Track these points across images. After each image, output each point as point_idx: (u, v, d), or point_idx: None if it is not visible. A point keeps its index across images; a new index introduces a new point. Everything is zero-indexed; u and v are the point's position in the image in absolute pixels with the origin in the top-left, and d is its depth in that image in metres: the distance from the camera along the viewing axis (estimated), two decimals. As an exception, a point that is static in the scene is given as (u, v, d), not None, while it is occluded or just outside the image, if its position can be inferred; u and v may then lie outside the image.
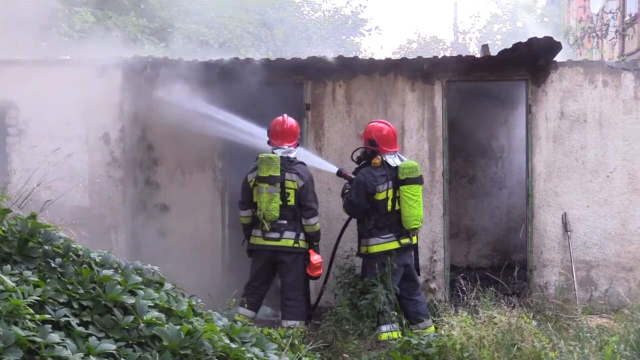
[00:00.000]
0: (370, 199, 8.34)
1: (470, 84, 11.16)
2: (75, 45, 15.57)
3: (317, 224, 8.49)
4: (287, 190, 8.31)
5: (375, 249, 8.35)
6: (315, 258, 8.40)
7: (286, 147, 8.50)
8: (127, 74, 10.03)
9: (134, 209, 10.09)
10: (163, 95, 9.73)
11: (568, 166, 9.94)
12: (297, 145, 8.67)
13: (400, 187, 8.29)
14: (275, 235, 8.31)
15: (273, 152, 8.42)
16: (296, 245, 8.37)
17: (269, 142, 8.60)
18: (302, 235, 8.40)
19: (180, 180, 10.13)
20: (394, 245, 8.34)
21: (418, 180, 8.34)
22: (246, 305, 8.29)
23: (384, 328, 8.10)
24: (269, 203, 8.21)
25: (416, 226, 8.34)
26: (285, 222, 8.32)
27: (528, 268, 9.99)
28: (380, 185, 8.31)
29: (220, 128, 9.61)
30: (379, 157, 8.40)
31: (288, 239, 8.33)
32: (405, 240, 8.39)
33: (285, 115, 8.69)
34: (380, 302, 8.08)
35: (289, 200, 8.34)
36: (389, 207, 8.35)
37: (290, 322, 8.10)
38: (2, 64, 9.83)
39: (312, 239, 8.49)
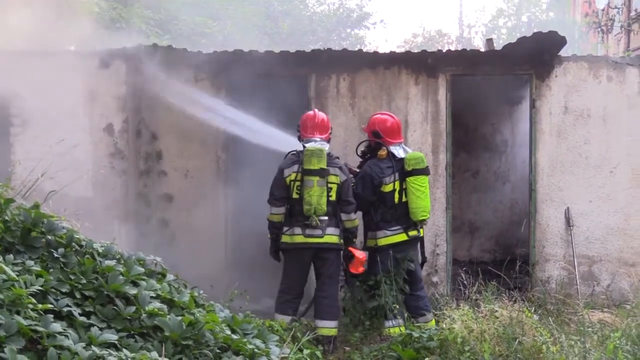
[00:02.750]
0: (377, 191, 8.27)
1: (474, 78, 11.14)
2: (79, 35, 15.54)
3: (357, 219, 8.27)
4: (329, 185, 8.01)
5: (383, 241, 8.27)
6: (360, 254, 8.13)
7: (318, 138, 8.18)
8: (130, 64, 10.02)
9: (137, 200, 10.10)
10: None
11: (571, 161, 9.93)
12: (329, 140, 8.38)
13: (407, 179, 8.24)
14: (318, 232, 7.94)
15: (305, 145, 8.11)
16: (340, 241, 8.09)
17: (299, 138, 8.28)
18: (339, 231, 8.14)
19: (184, 172, 10.12)
20: (402, 237, 8.28)
21: (424, 171, 8.29)
22: (289, 311, 7.99)
23: (388, 323, 8.08)
24: (320, 197, 7.89)
25: (424, 217, 8.27)
26: (326, 217, 7.99)
27: (530, 262, 9.98)
28: (387, 177, 8.26)
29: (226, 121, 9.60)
30: (385, 148, 8.38)
31: (332, 235, 8.02)
32: (412, 233, 8.33)
33: (316, 109, 8.58)
34: (389, 301, 8.04)
35: (331, 195, 8.02)
36: (396, 199, 8.29)
37: (328, 323, 7.94)
38: (7, 54, 9.83)
39: (352, 234, 8.23)
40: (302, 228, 7.95)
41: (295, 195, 7.99)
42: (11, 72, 9.73)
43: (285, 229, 8.05)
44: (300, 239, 7.97)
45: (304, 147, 8.08)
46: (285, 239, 8.05)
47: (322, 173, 7.91)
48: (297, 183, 7.98)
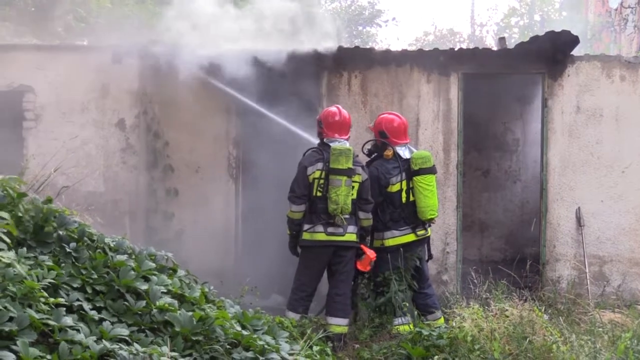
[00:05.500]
0: (383, 192, 8.27)
1: (486, 77, 11.12)
2: (92, 31, 15.62)
3: (372, 218, 8.20)
4: (353, 184, 7.96)
5: (391, 242, 8.24)
6: (371, 253, 8.10)
7: (342, 139, 8.14)
8: (143, 60, 10.03)
9: (148, 195, 10.12)
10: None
11: (583, 160, 9.91)
12: (348, 138, 8.31)
13: (414, 178, 8.21)
14: (340, 230, 7.92)
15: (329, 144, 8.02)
16: (357, 239, 8.05)
17: (320, 134, 8.21)
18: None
19: (195, 168, 10.14)
20: (411, 237, 8.27)
21: (431, 170, 8.26)
22: (300, 309, 7.92)
23: (397, 321, 8.07)
24: (347, 197, 7.83)
25: (432, 216, 8.24)
26: (347, 216, 7.97)
27: (541, 262, 9.96)
28: (394, 177, 8.25)
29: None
30: (391, 149, 8.36)
31: (352, 234, 7.98)
32: (421, 232, 8.32)
33: (339, 106, 8.44)
34: (399, 299, 8.03)
35: (353, 194, 7.97)
36: (404, 199, 8.27)
37: (341, 320, 7.89)
38: (21, 49, 9.88)
39: (367, 232, 8.25)
40: (325, 226, 7.91)
41: (317, 193, 7.93)
42: (25, 66, 9.80)
43: (306, 226, 7.98)
44: (322, 236, 7.92)
45: (326, 144, 8.05)
46: (306, 236, 7.98)
47: (350, 173, 7.87)
48: (321, 181, 7.91)
